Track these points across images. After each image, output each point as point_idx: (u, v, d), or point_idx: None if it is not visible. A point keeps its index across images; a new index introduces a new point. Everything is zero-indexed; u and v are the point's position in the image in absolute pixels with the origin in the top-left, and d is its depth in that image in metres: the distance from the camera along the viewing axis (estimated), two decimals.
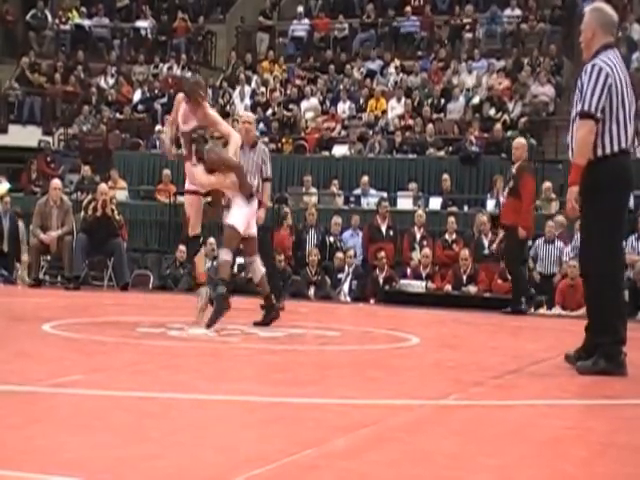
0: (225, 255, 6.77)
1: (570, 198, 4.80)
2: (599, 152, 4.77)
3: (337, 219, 13.09)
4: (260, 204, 9.00)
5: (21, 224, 13.42)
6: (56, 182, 12.11)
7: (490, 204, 13.68)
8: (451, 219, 12.62)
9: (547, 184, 13.43)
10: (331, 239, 13.00)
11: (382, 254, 12.15)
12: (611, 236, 4.85)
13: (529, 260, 12.09)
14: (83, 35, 20.89)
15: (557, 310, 10.93)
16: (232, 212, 6.87)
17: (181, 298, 10.36)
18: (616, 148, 4.77)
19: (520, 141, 10.71)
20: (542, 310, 11.09)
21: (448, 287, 11.85)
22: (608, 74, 4.75)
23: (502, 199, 10.41)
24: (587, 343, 4.96)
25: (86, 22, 21.15)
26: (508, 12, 18.78)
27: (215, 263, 6.72)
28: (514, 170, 10.19)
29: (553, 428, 3.42)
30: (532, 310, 10.79)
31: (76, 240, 11.49)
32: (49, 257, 12.09)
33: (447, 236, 12.58)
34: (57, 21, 21.08)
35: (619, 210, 4.91)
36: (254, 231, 7.09)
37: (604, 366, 4.77)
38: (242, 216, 6.81)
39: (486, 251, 12.12)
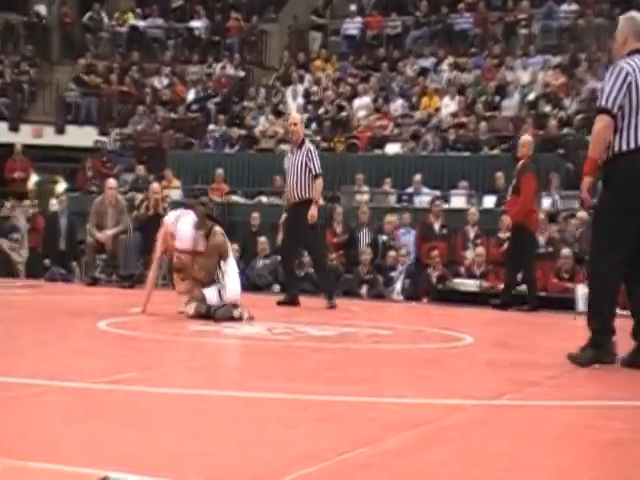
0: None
1: (583, 188, 4.99)
2: (616, 148, 4.90)
3: (390, 217, 13.03)
4: (311, 202, 9.05)
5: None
6: (112, 182, 12.26)
7: (545, 202, 13.49)
8: (505, 217, 12.46)
9: None
10: (384, 237, 12.96)
11: (435, 252, 12.07)
12: (616, 230, 4.92)
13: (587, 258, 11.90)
14: (138, 36, 21.15)
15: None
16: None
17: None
18: (633, 145, 4.89)
19: (527, 138, 10.77)
20: None
21: (502, 286, 11.70)
22: (628, 72, 4.90)
23: (509, 197, 10.43)
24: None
25: (141, 23, 21.40)
26: (565, 7, 18.50)
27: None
28: (518, 167, 10.26)
29: (613, 430, 3.35)
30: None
31: (131, 239, 11.62)
32: (104, 256, 12.25)
33: (500, 234, 12.42)
34: (113, 22, 21.38)
35: (630, 208, 4.92)
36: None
37: (593, 356, 4.94)
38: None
39: (542, 250, 11.95)
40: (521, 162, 10.28)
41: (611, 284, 5.03)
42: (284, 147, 16.62)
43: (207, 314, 6.95)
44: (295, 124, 9.16)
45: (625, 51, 5.08)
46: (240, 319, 6.96)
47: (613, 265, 4.96)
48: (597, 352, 4.97)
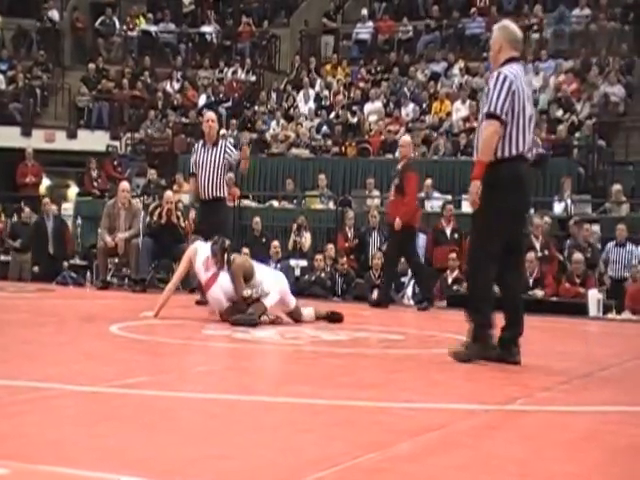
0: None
1: (472, 192, 5.09)
2: (499, 154, 5.05)
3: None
4: (224, 200, 9.23)
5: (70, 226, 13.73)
6: (124, 185, 12.28)
7: (557, 207, 13.46)
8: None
9: (617, 186, 13.15)
10: None
11: (453, 255, 12.06)
12: (492, 231, 5.09)
13: (599, 264, 11.88)
14: (150, 41, 21.23)
15: (627, 315, 10.69)
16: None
17: None
18: (514, 152, 5.07)
19: (406, 139, 10.83)
20: (611, 314, 10.86)
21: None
22: (512, 81, 5.06)
23: (391, 197, 10.27)
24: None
25: (152, 28, 21.49)
26: (577, 12, 18.46)
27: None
28: (399, 167, 10.20)
29: (626, 435, 3.33)
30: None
31: (142, 243, 11.63)
32: (116, 260, 12.27)
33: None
34: (125, 27, 21.47)
35: (508, 210, 5.09)
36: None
37: (476, 351, 5.09)
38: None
39: (539, 254, 11.94)
40: (402, 162, 10.24)
41: (489, 281, 5.22)
42: (296, 151, 16.67)
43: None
44: (212, 121, 9.22)
45: (500, 59, 5.21)
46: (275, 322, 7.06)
47: (490, 264, 5.14)
48: (480, 347, 5.11)
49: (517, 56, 5.26)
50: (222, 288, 7.17)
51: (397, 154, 10.84)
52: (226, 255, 7.24)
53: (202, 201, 9.24)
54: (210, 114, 9.91)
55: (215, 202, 9.09)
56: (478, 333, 5.15)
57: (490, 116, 5.06)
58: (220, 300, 7.22)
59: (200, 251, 7.44)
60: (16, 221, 14.64)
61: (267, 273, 7.41)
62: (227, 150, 9.15)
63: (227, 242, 7.37)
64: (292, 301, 7.41)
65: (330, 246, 12.80)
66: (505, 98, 5.03)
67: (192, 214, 12.22)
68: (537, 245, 12.03)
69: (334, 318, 7.62)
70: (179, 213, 11.69)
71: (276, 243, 12.93)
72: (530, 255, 11.71)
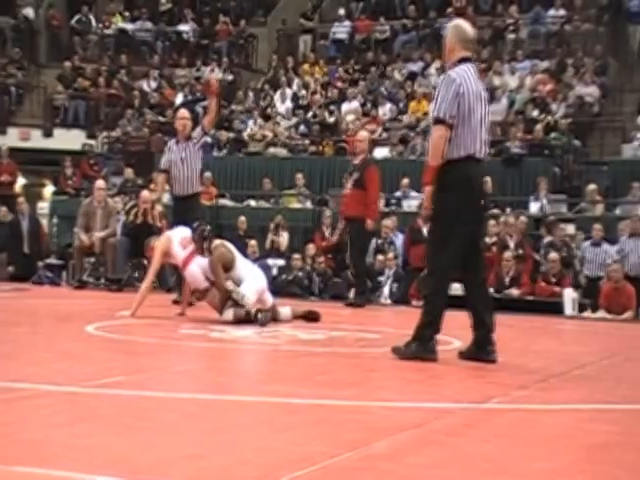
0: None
1: (425, 197, 5.19)
2: (447, 156, 5.07)
3: (387, 221, 12.96)
4: (199, 195, 9.31)
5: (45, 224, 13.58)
6: (100, 183, 12.23)
7: (533, 206, 13.54)
8: (491, 222, 12.44)
9: (592, 186, 13.25)
10: (379, 241, 12.95)
11: None
12: (446, 233, 5.11)
13: (575, 263, 11.96)
14: (126, 39, 21.11)
15: (602, 313, 10.78)
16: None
17: None
18: (462, 153, 5.07)
19: (363, 134, 10.90)
20: (586, 313, 10.94)
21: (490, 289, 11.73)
22: (460, 84, 5.06)
23: (348, 191, 10.19)
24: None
25: (129, 26, 21.37)
26: (552, 12, 18.58)
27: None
28: (357, 162, 10.25)
29: (601, 433, 3.36)
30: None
31: (119, 243, 11.58)
32: (93, 259, 12.21)
33: (487, 239, 12.41)
34: (101, 25, 21.34)
35: (461, 211, 5.11)
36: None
37: (415, 350, 5.11)
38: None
39: (514, 252, 12.01)
40: (360, 157, 10.29)
41: (444, 284, 5.28)
42: (273, 150, 16.65)
43: (247, 318, 6.95)
44: (186, 118, 9.30)
45: (453, 59, 5.23)
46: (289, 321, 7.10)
47: (446, 266, 5.20)
48: (418, 347, 5.13)
49: (469, 56, 5.27)
50: (200, 266, 7.19)
51: (356, 150, 10.80)
52: (206, 243, 7.23)
53: (177, 197, 9.27)
54: (183, 112, 9.91)
55: (190, 198, 9.11)
56: (420, 333, 5.18)
57: (436, 121, 5.09)
58: (198, 277, 7.20)
59: (174, 235, 7.46)
60: None
61: (247, 268, 7.38)
62: (200, 142, 9.16)
63: (207, 229, 7.36)
64: (269, 300, 7.41)
65: (311, 246, 12.79)
66: (452, 101, 5.03)
67: None
68: (511, 244, 12.10)
69: (311, 317, 7.63)
70: (156, 212, 11.65)
71: (253, 242, 12.92)
72: (506, 254, 11.78)
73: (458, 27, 5.35)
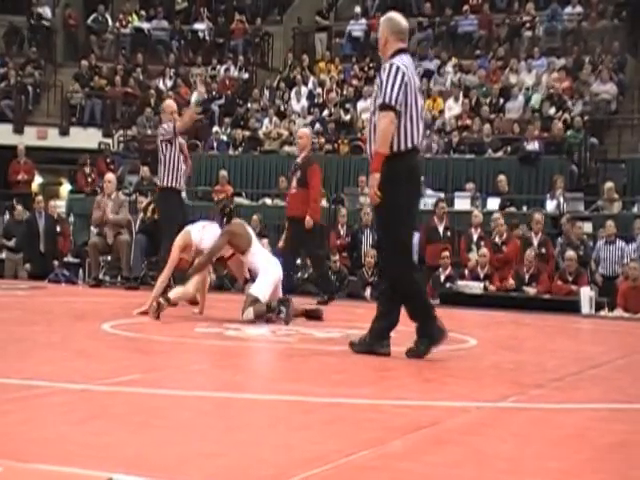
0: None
1: (372, 185, 5.06)
2: (395, 148, 5.04)
3: None
4: (171, 190, 9.07)
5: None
6: (109, 176, 12.26)
7: (550, 205, 13.48)
8: (500, 221, 12.35)
9: (609, 184, 13.18)
10: None
11: (446, 253, 12.06)
12: (397, 227, 5.10)
13: (590, 262, 11.90)
14: (142, 38, 21.18)
15: (619, 312, 10.72)
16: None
17: (238, 298, 10.40)
18: (409, 145, 5.07)
19: (304, 131, 10.63)
20: (603, 312, 10.89)
21: (510, 283, 11.65)
22: (404, 72, 5.07)
23: (293, 190, 9.88)
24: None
25: (145, 25, 21.44)
26: (569, 9, 18.49)
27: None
28: (300, 160, 9.90)
29: (616, 432, 3.34)
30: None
31: (135, 241, 11.62)
32: (109, 257, 12.25)
33: (497, 239, 12.34)
34: (117, 25, 21.42)
35: (406, 203, 5.11)
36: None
37: (371, 344, 5.13)
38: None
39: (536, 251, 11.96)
40: (302, 155, 9.92)
41: (408, 272, 5.17)
42: (288, 149, 16.65)
43: (269, 310, 6.94)
44: (173, 112, 9.22)
45: (388, 52, 5.20)
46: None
47: (404, 258, 5.14)
48: (371, 341, 5.13)
49: (404, 47, 5.25)
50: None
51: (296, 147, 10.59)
52: (225, 217, 7.24)
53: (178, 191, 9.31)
54: (169, 103, 9.86)
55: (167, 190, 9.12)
56: (380, 331, 5.16)
57: (385, 107, 5.02)
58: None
59: (193, 229, 7.46)
60: (9, 220, 14.57)
61: (263, 256, 7.34)
62: (163, 131, 9.13)
63: (229, 206, 7.38)
64: (280, 295, 7.37)
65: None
66: (399, 89, 5.01)
67: None
68: (535, 242, 12.05)
69: (312, 316, 7.56)
70: None
71: (265, 241, 12.93)
72: (529, 253, 11.71)
73: (391, 19, 5.31)
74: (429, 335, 5.12)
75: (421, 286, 5.37)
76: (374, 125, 5.13)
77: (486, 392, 4.19)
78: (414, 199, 5.28)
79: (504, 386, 4.41)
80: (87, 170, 16.45)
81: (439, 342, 5.12)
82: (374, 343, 5.16)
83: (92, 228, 12.10)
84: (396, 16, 5.35)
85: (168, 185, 9.08)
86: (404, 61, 5.13)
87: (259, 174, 16.26)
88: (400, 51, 5.19)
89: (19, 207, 14.21)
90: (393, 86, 5.01)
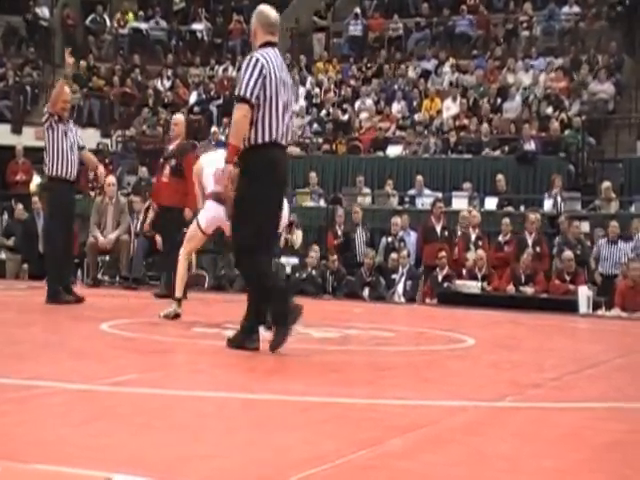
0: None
1: (226, 177, 5.08)
2: (252, 141, 5.02)
3: (396, 219, 12.99)
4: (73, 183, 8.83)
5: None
6: (111, 179, 12.26)
7: (547, 204, 13.51)
8: (505, 220, 12.42)
9: (606, 184, 13.20)
10: (389, 239, 12.95)
11: (443, 253, 12.08)
12: (251, 218, 5.05)
13: (590, 261, 11.91)
14: (140, 38, 21.18)
15: (616, 312, 10.74)
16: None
17: (236, 298, 10.41)
18: (267, 138, 5.04)
19: (179, 117, 10.39)
20: (601, 311, 10.90)
21: (510, 287, 11.68)
22: (263, 65, 5.05)
23: (164, 179, 9.52)
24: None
25: (143, 25, 21.44)
26: (566, 9, 18.52)
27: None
28: (174, 147, 9.61)
29: (613, 432, 3.35)
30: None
31: (137, 243, 11.62)
32: (107, 257, 12.25)
33: (500, 238, 12.42)
34: (115, 25, 21.42)
35: (264, 197, 5.07)
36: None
37: (241, 339, 5.15)
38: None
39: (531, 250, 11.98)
40: (176, 142, 9.59)
41: (261, 269, 5.15)
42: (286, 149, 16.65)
43: None
44: (66, 101, 9.11)
45: (257, 44, 5.22)
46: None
47: (256, 252, 5.10)
48: (242, 338, 5.16)
49: (273, 40, 5.25)
50: (215, 210, 7.01)
51: (171, 133, 10.24)
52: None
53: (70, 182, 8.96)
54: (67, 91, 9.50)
55: (74, 183, 9.00)
56: (249, 327, 5.17)
57: (240, 99, 5.02)
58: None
59: (206, 163, 7.16)
60: (10, 220, 14.55)
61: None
62: (76, 130, 8.97)
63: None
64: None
65: (315, 247, 12.68)
66: (256, 82, 5.00)
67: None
68: (529, 241, 12.07)
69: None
70: None
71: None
72: (526, 257, 11.72)
73: (261, 12, 5.32)
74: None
75: (267, 271, 5.25)
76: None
77: (484, 391, 4.20)
78: (271, 192, 5.13)
79: (502, 385, 4.42)
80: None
81: (295, 321, 5.07)
82: (245, 339, 5.18)
83: (90, 227, 12.09)
84: (266, 9, 5.35)
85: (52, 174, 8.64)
86: (268, 54, 5.12)
87: None
88: (267, 44, 5.19)
89: (19, 207, 14.20)
90: (250, 79, 5.01)
